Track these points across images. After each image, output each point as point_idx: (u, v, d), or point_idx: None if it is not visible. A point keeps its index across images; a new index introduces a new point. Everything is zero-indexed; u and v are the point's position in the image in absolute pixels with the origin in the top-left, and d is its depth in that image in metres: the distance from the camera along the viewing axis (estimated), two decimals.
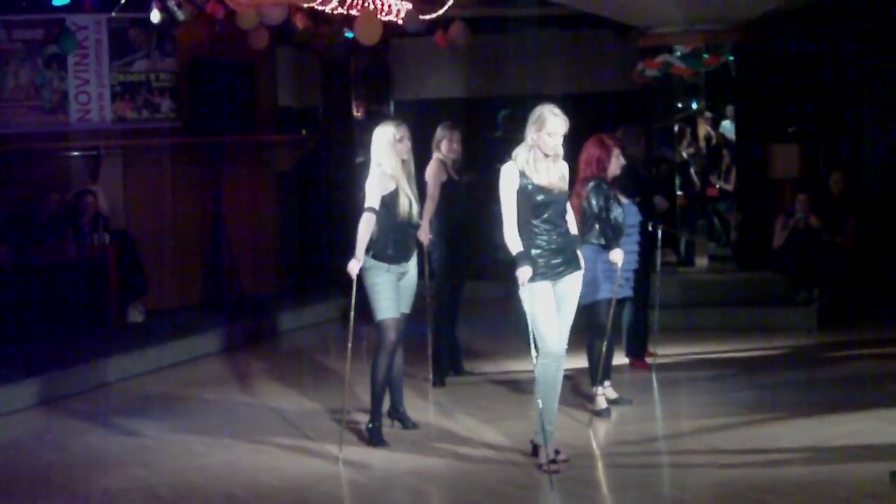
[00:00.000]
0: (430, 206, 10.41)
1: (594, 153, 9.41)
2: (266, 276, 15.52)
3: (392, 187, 8.63)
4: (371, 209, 8.56)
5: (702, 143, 15.38)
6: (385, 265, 8.58)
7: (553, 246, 7.89)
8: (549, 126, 7.86)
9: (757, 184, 14.76)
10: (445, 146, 10.57)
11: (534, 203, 7.86)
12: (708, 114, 15.15)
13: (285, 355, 12.93)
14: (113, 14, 14.19)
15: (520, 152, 7.95)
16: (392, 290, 8.60)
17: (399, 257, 8.65)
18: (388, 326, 8.59)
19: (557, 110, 7.94)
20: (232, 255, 14.72)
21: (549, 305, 7.84)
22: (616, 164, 9.55)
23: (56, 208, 13.54)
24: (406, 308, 8.79)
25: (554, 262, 7.89)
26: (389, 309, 8.59)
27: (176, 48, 14.74)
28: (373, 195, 8.59)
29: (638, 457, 8.25)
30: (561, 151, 7.98)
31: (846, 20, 16.07)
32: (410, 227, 8.75)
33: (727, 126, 16.28)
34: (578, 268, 8.01)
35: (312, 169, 16.62)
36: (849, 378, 10.60)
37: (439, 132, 10.60)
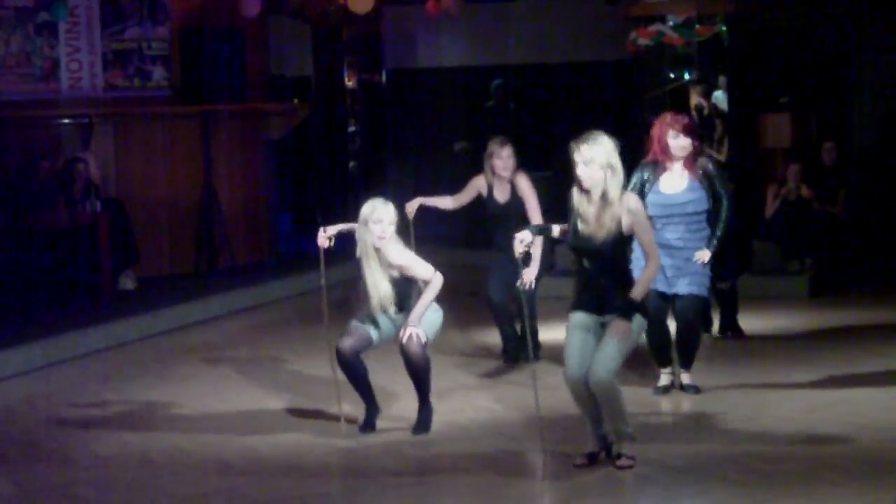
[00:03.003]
0: (448, 200, 10.22)
1: (652, 132, 8.89)
2: (259, 244, 15.50)
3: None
4: None
5: (694, 113, 15.37)
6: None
7: (589, 290, 7.32)
8: (575, 156, 7.17)
9: (749, 153, 14.76)
10: (497, 164, 10.01)
11: (574, 247, 7.35)
12: (700, 83, 15.14)
13: (278, 323, 12.93)
14: None
15: (574, 191, 7.29)
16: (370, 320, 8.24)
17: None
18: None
19: (591, 137, 7.18)
20: (224, 223, 14.71)
21: (574, 333, 7.36)
22: (677, 146, 8.78)
23: (47, 176, 13.51)
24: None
25: (588, 299, 7.35)
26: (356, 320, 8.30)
27: (168, 16, 14.69)
28: None
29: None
30: (611, 189, 7.12)
31: None
32: (385, 313, 8.22)
33: (719, 96, 16.26)
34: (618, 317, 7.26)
35: (304, 137, 16.61)
36: (840, 347, 10.63)
37: (489, 147, 10.11)
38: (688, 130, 8.85)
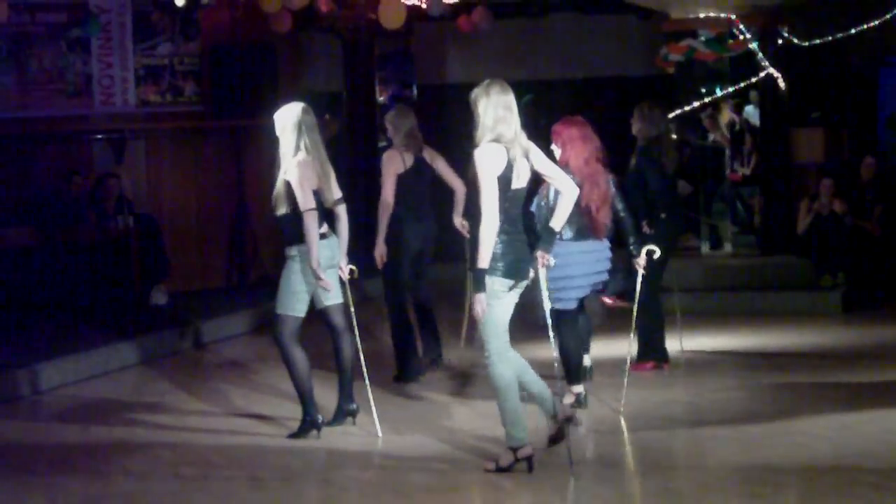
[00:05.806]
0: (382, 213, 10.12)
1: None
2: None
3: None
4: None
5: (725, 128, 15.35)
6: None
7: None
8: None
9: (781, 168, 14.71)
10: None
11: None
12: (732, 99, 15.13)
13: (310, 338, 12.87)
14: None
15: None
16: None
17: None
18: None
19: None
20: (255, 237, 14.75)
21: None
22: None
23: (79, 191, 13.58)
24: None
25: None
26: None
27: (199, 32, 14.76)
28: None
29: (661, 439, 8.23)
30: (475, 135, 7.78)
31: (871, 4, 15.98)
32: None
33: (751, 111, 16.23)
34: None
35: (335, 153, 16.60)
36: (873, 362, 10.57)
37: None
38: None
